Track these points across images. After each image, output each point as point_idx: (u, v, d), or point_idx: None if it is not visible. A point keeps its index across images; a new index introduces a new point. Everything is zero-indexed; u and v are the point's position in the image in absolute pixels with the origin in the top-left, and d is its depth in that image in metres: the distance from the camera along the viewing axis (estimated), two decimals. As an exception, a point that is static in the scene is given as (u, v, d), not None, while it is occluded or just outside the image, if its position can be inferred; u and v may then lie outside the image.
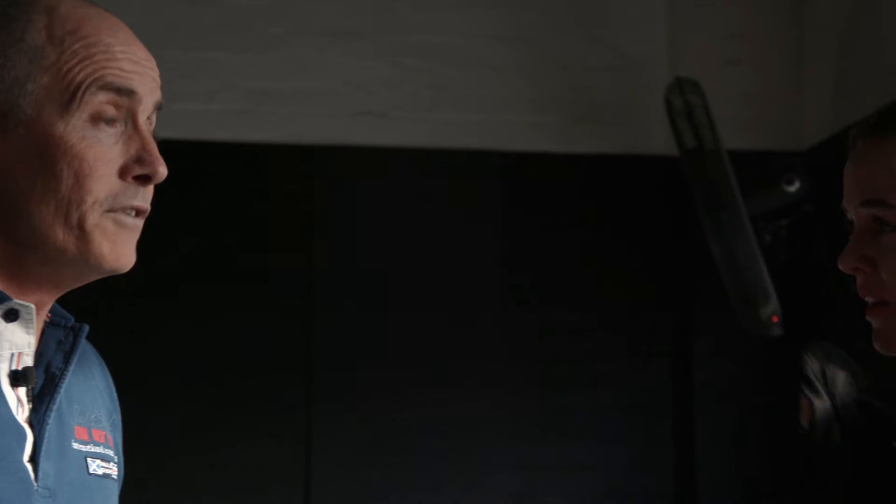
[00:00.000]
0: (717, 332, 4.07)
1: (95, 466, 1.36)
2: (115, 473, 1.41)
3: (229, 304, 3.99)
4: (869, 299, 1.36)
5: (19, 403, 1.29)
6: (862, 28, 3.89)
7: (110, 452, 1.40)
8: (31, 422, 1.30)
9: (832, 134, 3.90)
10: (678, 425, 4.11)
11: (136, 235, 1.36)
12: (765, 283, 3.72)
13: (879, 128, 1.36)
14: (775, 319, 3.73)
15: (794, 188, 3.84)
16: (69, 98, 1.24)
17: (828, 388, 1.51)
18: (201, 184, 4.04)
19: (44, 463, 1.28)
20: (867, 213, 1.36)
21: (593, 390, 4.09)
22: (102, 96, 1.26)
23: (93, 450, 1.37)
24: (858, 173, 1.37)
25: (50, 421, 1.30)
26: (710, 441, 4.07)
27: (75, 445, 1.35)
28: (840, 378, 1.51)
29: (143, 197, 1.33)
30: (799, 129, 4.14)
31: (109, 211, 1.29)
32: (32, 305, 1.30)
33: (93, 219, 1.27)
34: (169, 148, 4.37)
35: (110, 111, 1.27)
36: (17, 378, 1.29)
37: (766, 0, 4.22)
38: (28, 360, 1.31)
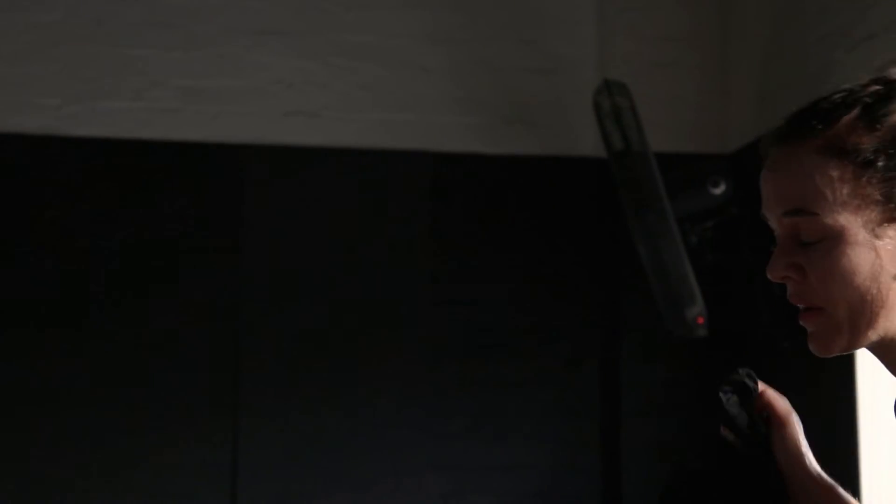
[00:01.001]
0: (644, 334, 4.11)
1: None
2: None
3: (157, 303, 3.96)
4: (801, 306, 1.38)
5: None
6: (786, 34, 3.94)
7: None
8: None
9: (757, 137, 3.95)
10: (605, 427, 4.13)
11: None
12: (690, 284, 3.76)
13: (790, 135, 1.36)
14: (701, 321, 3.77)
15: (719, 191, 3.88)
16: None
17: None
18: (129, 182, 4.00)
19: None
20: (790, 222, 1.37)
21: (521, 391, 4.10)
22: None
23: None
24: (775, 182, 1.37)
25: None
26: (637, 442, 4.10)
27: None
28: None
29: None
30: (724, 132, 4.19)
31: None
32: None
33: None
34: (95, 146, 4.34)
35: None
36: None
37: (694, 5, 4.27)
38: None
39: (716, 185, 3.89)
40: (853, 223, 1.33)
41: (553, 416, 4.11)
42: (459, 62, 4.20)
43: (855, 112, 1.34)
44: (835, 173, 1.33)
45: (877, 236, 1.33)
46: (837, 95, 1.36)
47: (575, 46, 4.25)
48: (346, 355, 4.04)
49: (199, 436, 3.93)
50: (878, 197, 1.33)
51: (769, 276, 1.37)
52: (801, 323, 1.37)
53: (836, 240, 1.34)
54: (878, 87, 1.35)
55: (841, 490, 1.42)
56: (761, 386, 1.53)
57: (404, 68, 4.17)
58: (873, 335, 1.35)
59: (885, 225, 1.33)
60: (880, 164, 1.33)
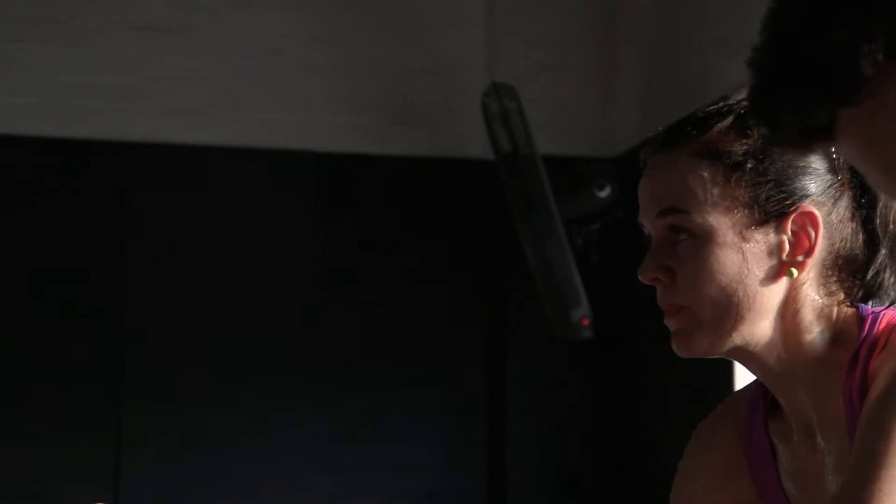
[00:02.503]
0: (530, 335, 4.14)
1: None
2: None
3: (39, 302, 3.89)
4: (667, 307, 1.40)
5: None
6: (669, 41, 4.00)
7: None
8: None
9: (642, 141, 4.00)
10: (492, 426, 4.15)
11: None
12: (576, 286, 3.79)
13: (667, 142, 1.40)
14: (586, 322, 3.80)
15: (605, 193, 3.92)
16: None
17: None
18: (7, 180, 3.92)
19: None
20: (663, 223, 1.39)
21: (408, 391, 4.10)
22: None
23: None
24: (651, 186, 1.40)
25: None
26: (522, 442, 4.13)
27: None
28: None
29: None
30: (610, 136, 4.24)
31: None
32: None
33: None
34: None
35: None
36: None
37: (580, 10, 4.31)
38: None
39: (601, 188, 3.93)
40: (722, 224, 1.36)
41: (439, 416, 4.12)
42: (346, 62, 4.19)
43: (728, 120, 1.38)
44: (706, 174, 1.37)
45: (744, 239, 1.36)
46: (712, 107, 1.40)
47: (463, 48, 4.26)
48: (233, 355, 4.00)
49: (82, 435, 3.86)
50: (747, 200, 1.36)
51: (640, 278, 1.40)
52: (665, 322, 1.39)
53: (705, 239, 1.36)
54: None
55: None
56: None
57: (290, 67, 4.14)
58: (737, 338, 1.36)
59: (753, 228, 1.36)
60: (749, 167, 1.36)
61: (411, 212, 4.20)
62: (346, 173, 4.17)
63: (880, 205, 1.39)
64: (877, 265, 1.38)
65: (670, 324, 1.39)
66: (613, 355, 4.14)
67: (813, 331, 1.37)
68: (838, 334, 1.37)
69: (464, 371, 4.17)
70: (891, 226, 1.39)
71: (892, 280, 1.39)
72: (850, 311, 1.37)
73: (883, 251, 1.39)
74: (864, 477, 1.22)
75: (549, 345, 4.08)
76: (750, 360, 1.39)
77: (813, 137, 0.95)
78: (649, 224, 1.41)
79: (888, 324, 1.34)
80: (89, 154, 3.99)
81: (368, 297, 4.13)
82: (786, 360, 1.38)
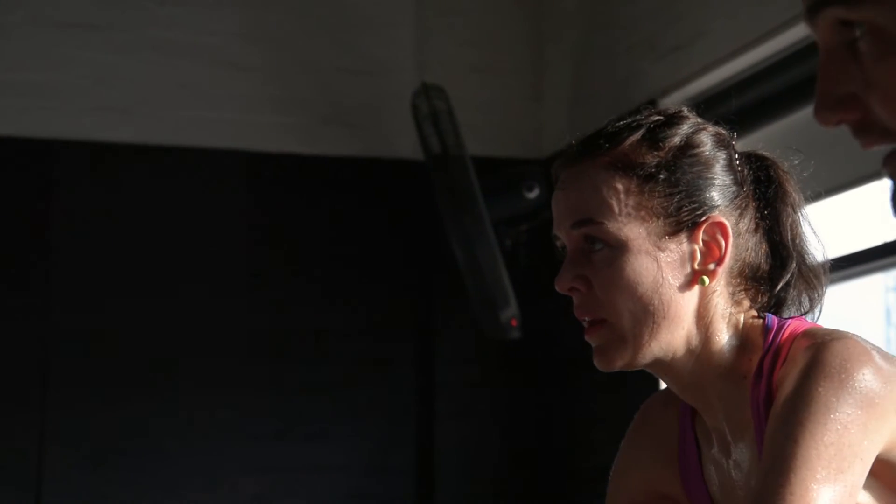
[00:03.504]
0: (459, 336, 4.15)
1: None
2: None
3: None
4: (586, 319, 1.42)
5: None
6: (597, 43, 4.04)
7: None
8: None
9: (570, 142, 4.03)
10: (419, 427, 4.16)
11: None
12: (504, 287, 3.81)
13: (580, 155, 1.43)
14: (514, 323, 3.82)
15: (533, 195, 3.94)
16: None
17: None
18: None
19: None
20: (578, 234, 1.41)
21: (336, 392, 4.10)
22: None
23: None
24: (566, 198, 1.43)
25: None
26: (450, 442, 4.14)
27: None
28: None
29: None
30: (539, 137, 4.26)
31: None
32: None
33: None
34: None
35: None
36: None
37: (509, 12, 4.33)
38: None
39: (530, 189, 3.95)
40: (638, 234, 1.39)
41: (367, 416, 4.12)
42: (276, 61, 4.17)
43: (639, 133, 1.41)
44: (620, 185, 1.40)
45: (659, 248, 1.39)
46: (622, 121, 1.43)
47: (393, 49, 4.27)
48: (160, 355, 3.97)
49: (3, 436, 3.81)
50: (660, 210, 1.39)
51: (557, 288, 1.42)
52: (586, 338, 1.41)
53: (620, 250, 1.39)
54: (659, 117, 1.43)
55: None
56: None
57: (219, 66, 4.11)
58: (655, 348, 1.39)
59: (667, 238, 1.39)
60: (661, 178, 1.39)
61: (341, 212, 4.19)
62: (275, 173, 4.15)
63: (787, 221, 1.43)
64: (786, 279, 1.42)
65: (591, 340, 1.41)
66: (542, 356, 4.16)
67: (722, 339, 1.40)
68: (744, 343, 1.40)
69: (392, 372, 4.17)
70: (796, 241, 1.43)
71: (796, 293, 1.43)
72: (757, 320, 1.41)
73: (793, 266, 1.42)
74: (774, 482, 1.25)
75: (478, 345, 4.09)
76: (667, 370, 1.42)
77: None
78: (564, 235, 1.44)
79: (791, 334, 1.37)
80: (13, 152, 3.94)
81: (297, 297, 4.12)
82: (698, 370, 1.41)
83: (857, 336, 1.34)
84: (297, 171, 4.17)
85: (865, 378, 1.28)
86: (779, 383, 1.33)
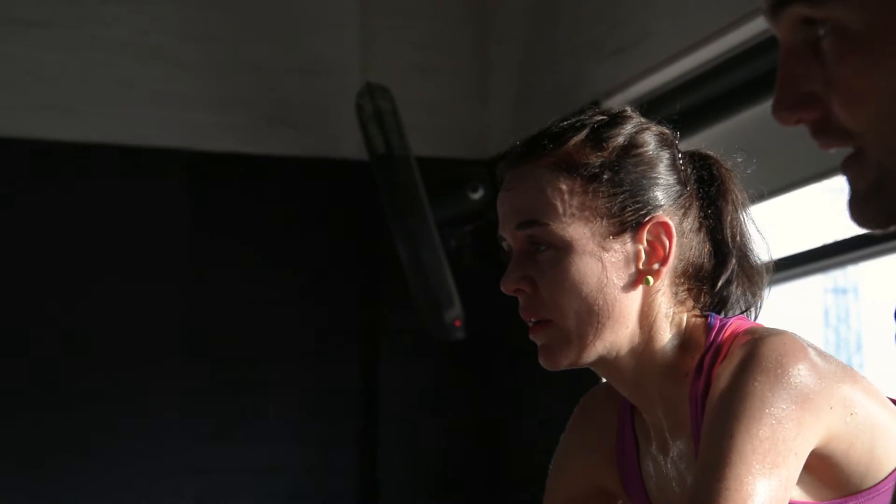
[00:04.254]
0: (404, 336, 4.14)
1: None
2: None
3: None
4: (531, 319, 1.42)
5: None
6: (541, 44, 4.05)
7: None
8: None
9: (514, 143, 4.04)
10: (363, 427, 4.15)
11: None
12: (449, 287, 3.81)
13: (524, 155, 1.43)
14: (458, 323, 3.82)
15: (478, 195, 3.95)
16: None
17: None
18: None
19: None
20: (523, 235, 1.42)
21: (280, 392, 4.08)
22: None
23: None
24: (511, 199, 1.44)
25: None
26: (395, 443, 4.14)
27: None
28: None
29: None
30: (484, 137, 4.27)
31: None
32: None
33: None
34: None
35: None
36: None
37: (454, 12, 4.34)
38: None
39: (475, 189, 3.96)
40: (582, 235, 1.40)
41: (310, 416, 4.10)
42: (219, 60, 4.15)
43: (583, 134, 1.42)
44: (564, 186, 1.40)
45: (604, 248, 1.40)
46: (565, 122, 1.43)
47: (338, 48, 4.25)
48: (101, 355, 3.94)
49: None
50: (604, 211, 1.40)
51: (503, 289, 1.43)
52: (531, 337, 1.42)
53: (565, 250, 1.40)
54: (603, 117, 1.44)
55: None
56: None
57: (161, 64, 4.08)
58: (600, 347, 1.40)
59: (611, 238, 1.40)
60: (605, 178, 1.40)
61: (285, 211, 4.17)
62: (218, 172, 4.13)
63: (729, 219, 1.44)
64: (726, 277, 1.43)
65: (536, 338, 1.42)
66: (487, 356, 4.17)
67: (665, 338, 1.41)
68: (687, 342, 1.42)
69: (336, 372, 4.16)
70: (738, 239, 1.45)
71: (739, 291, 1.44)
72: (699, 319, 1.42)
73: (733, 263, 1.43)
74: (710, 477, 1.26)
75: (422, 346, 4.09)
76: (611, 369, 1.43)
77: None
78: (509, 236, 1.44)
79: (733, 332, 1.38)
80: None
81: (241, 297, 4.09)
82: (641, 368, 1.42)
83: (794, 333, 1.35)
84: (240, 171, 4.14)
85: (801, 373, 1.29)
86: (716, 379, 1.35)
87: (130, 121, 4.05)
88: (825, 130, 0.86)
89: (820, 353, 1.34)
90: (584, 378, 1.49)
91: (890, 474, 1.34)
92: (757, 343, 1.32)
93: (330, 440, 4.12)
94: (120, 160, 4.03)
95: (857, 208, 0.87)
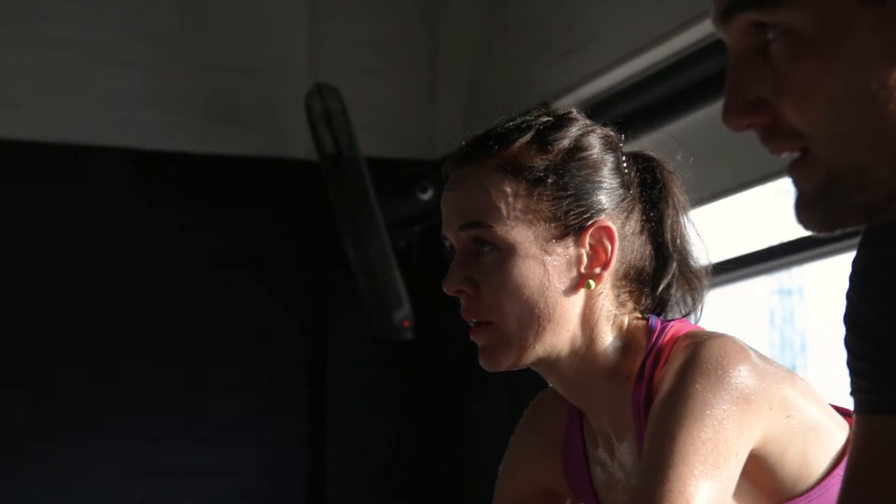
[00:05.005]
0: (352, 336, 4.14)
1: None
2: None
3: None
4: (472, 320, 1.43)
5: None
6: (491, 45, 4.06)
7: None
8: None
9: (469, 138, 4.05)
10: (312, 428, 4.14)
11: None
12: (397, 287, 3.81)
13: (471, 155, 1.44)
14: (407, 324, 3.82)
15: (427, 196, 3.95)
16: None
17: None
18: None
19: None
20: (467, 236, 1.43)
21: (229, 393, 4.06)
22: None
23: None
24: (455, 199, 1.44)
25: None
26: (343, 443, 4.13)
27: None
28: None
29: None
30: (433, 138, 4.27)
31: None
32: None
33: None
34: None
35: None
36: None
37: (404, 13, 4.34)
38: None
39: (424, 190, 3.96)
40: (525, 237, 1.40)
41: (259, 417, 4.09)
42: (168, 59, 4.12)
43: (528, 136, 1.43)
44: (509, 189, 1.41)
45: (546, 252, 1.40)
46: (511, 123, 1.44)
47: (287, 48, 4.24)
48: (49, 356, 3.90)
49: None
50: (548, 214, 1.41)
51: (445, 290, 1.43)
52: (472, 338, 1.43)
53: (508, 252, 1.40)
54: (548, 118, 1.44)
55: None
56: None
57: (108, 62, 4.05)
58: (540, 349, 1.41)
59: (554, 241, 1.41)
60: (550, 181, 1.41)
61: (234, 212, 4.15)
62: (166, 172, 4.10)
63: (671, 223, 1.45)
64: (667, 280, 1.44)
65: (477, 339, 1.43)
66: (435, 356, 4.17)
67: (606, 341, 1.42)
68: (628, 344, 1.42)
69: (285, 372, 4.14)
70: (678, 242, 1.46)
71: (679, 294, 1.46)
72: (641, 322, 1.43)
73: (674, 266, 1.45)
74: (653, 479, 1.27)
75: (370, 346, 4.09)
76: (552, 370, 1.43)
77: None
78: (453, 236, 1.44)
79: (674, 336, 1.39)
80: None
81: (189, 297, 4.07)
82: (583, 371, 1.42)
83: (733, 336, 1.37)
84: (188, 171, 4.12)
85: (741, 375, 1.31)
86: (658, 383, 1.36)
87: (77, 119, 4.02)
88: (775, 134, 0.87)
89: (759, 355, 1.35)
90: (533, 379, 1.50)
91: (822, 479, 1.35)
92: (698, 346, 1.33)
93: (278, 440, 4.11)
94: (67, 159, 4.00)
95: (805, 211, 0.88)
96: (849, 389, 1.08)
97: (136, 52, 4.08)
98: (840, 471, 1.34)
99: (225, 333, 4.09)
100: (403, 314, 3.81)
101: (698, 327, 1.45)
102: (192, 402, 4.02)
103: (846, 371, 1.07)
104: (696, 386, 1.30)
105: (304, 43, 4.26)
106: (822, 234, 0.90)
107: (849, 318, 1.06)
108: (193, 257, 4.09)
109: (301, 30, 4.26)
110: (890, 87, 0.83)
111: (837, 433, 1.36)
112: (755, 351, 1.35)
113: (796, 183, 0.88)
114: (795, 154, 0.87)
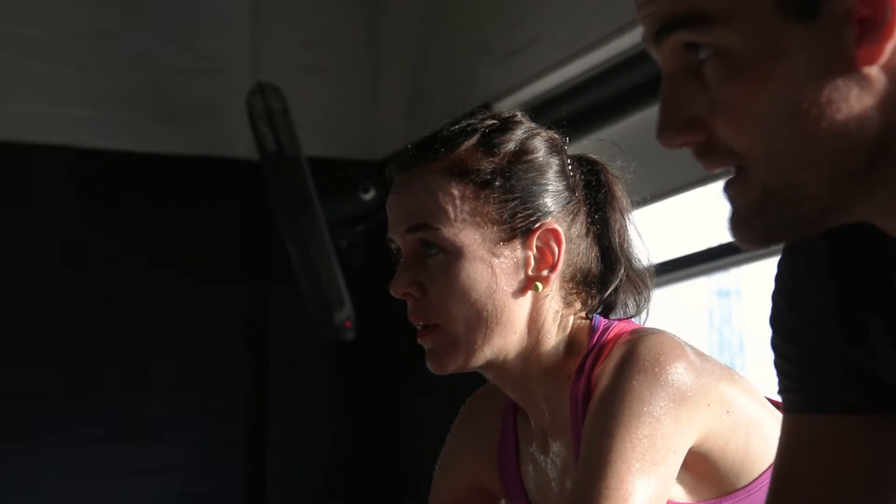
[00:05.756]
0: (294, 336, 4.13)
1: None
2: None
3: None
4: (420, 323, 1.43)
5: None
6: (433, 46, 4.07)
7: None
8: None
9: (406, 145, 4.05)
10: (252, 429, 4.13)
11: None
12: (339, 288, 3.81)
13: (416, 159, 1.44)
14: (349, 324, 3.82)
15: (369, 196, 3.95)
16: None
17: None
18: None
19: None
20: (414, 238, 1.43)
21: (167, 393, 4.04)
22: None
23: None
24: (401, 202, 1.44)
25: None
26: (283, 443, 4.12)
27: None
28: None
29: None
30: (375, 138, 4.27)
31: None
32: None
33: None
34: None
35: None
36: None
37: (347, 13, 4.33)
38: None
39: (366, 190, 3.96)
40: (473, 240, 1.41)
41: (199, 417, 4.07)
42: (108, 56, 4.09)
43: (475, 139, 1.43)
44: (456, 192, 1.41)
45: (494, 254, 1.41)
46: (456, 126, 1.44)
47: (229, 46, 4.22)
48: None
49: None
50: (495, 217, 1.41)
51: (392, 293, 1.43)
52: (419, 341, 1.43)
53: (455, 255, 1.41)
54: (494, 121, 1.45)
55: None
56: None
57: (47, 60, 4.01)
58: (488, 352, 1.41)
59: (501, 244, 1.41)
60: (497, 184, 1.41)
61: (175, 210, 4.13)
62: (106, 171, 4.07)
63: (616, 225, 1.47)
64: (615, 282, 1.46)
65: (424, 343, 1.43)
66: (377, 356, 4.17)
67: (552, 341, 1.43)
68: (571, 344, 1.44)
69: (225, 372, 4.13)
70: (624, 245, 1.47)
71: (626, 296, 1.47)
72: (585, 322, 1.44)
73: (621, 270, 1.46)
74: (591, 476, 1.29)
75: (312, 346, 4.08)
76: (499, 372, 1.44)
77: None
78: (400, 239, 1.45)
79: (617, 334, 1.41)
80: None
81: (129, 296, 4.04)
82: (528, 371, 1.43)
83: (671, 333, 1.38)
84: (130, 170, 4.09)
85: (678, 371, 1.32)
86: (597, 380, 1.37)
87: (15, 117, 3.98)
88: (710, 152, 0.88)
89: (697, 352, 1.37)
90: (474, 380, 1.51)
91: (763, 472, 1.37)
92: (635, 343, 1.35)
93: (219, 441, 4.09)
94: (4, 157, 3.95)
95: (739, 227, 0.90)
96: (776, 389, 1.09)
97: (77, 50, 4.05)
98: None
99: (166, 333, 4.06)
100: (345, 314, 3.81)
101: (641, 326, 1.46)
102: (131, 403, 3.99)
103: (774, 371, 1.09)
104: (634, 383, 1.31)
105: (246, 42, 4.24)
106: (755, 250, 0.91)
107: (775, 320, 1.08)
108: (134, 256, 4.06)
109: (244, 28, 4.24)
110: (821, 105, 0.84)
111: (777, 428, 1.38)
112: (693, 348, 1.37)
113: (731, 199, 0.90)
114: (731, 170, 0.89)
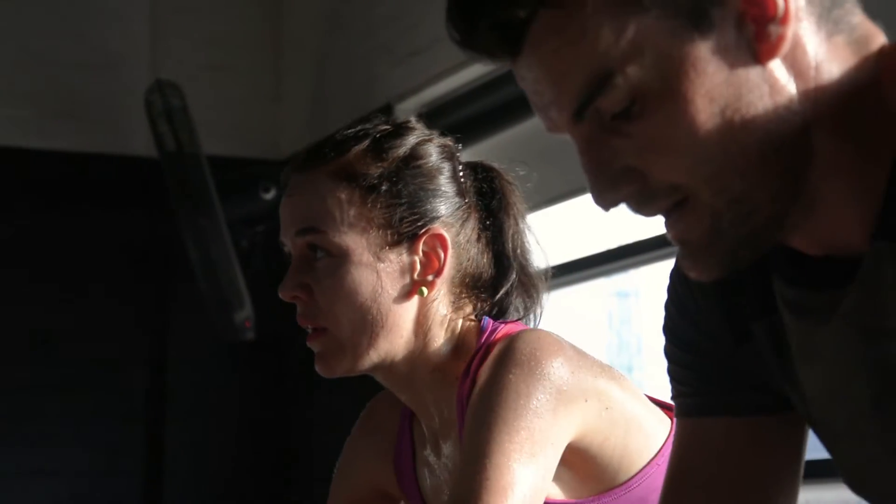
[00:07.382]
0: (192, 336, 4.09)
1: None
2: None
3: None
4: (309, 326, 1.43)
5: None
6: (335, 46, 4.06)
7: None
8: None
9: (309, 144, 4.04)
10: (150, 429, 4.08)
11: None
12: (239, 287, 3.78)
13: (308, 162, 1.45)
14: (248, 324, 3.80)
15: (270, 195, 3.93)
16: None
17: None
18: None
19: None
20: (302, 241, 1.43)
21: (63, 393, 3.98)
22: None
23: None
24: (292, 206, 1.45)
25: None
26: (181, 445, 4.08)
27: None
28: None
29: None
30: (277, 138, 4.25)
31: None
32: None
33: None
34: None
35: None
36: None
37: (248, 11, 4.31)
38: None
39: (267, 190, 3.94)
40: (359, 244, 1.42)
41: (96, 418, 4.02)
42: (3, 52, 4.02)
43: (365, 144, 1.44)
44: (343, 195, 1.42)
45: (379, 259, 1.42)
46: (350, 130, 1.45)
47: (128, 43, 4.17)
48: None
49: None
50: (382, 221, 1.42)
51: (280, 296, 1.44)
52: (308, 344, 1.43)
53: (341, 259, 1.42)
54: (387, 127, 1.46)
55: None
56: None
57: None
58: (374, 355, 1.42)
59: (387, 248, 1.42)
60: (384, 189, 1.42)
61: (71, 208, 4.07)
62: (2, 168, 4.00)
63: (510, 231, 1.48)
64: (506, 287, 1.47)
65: (312, 346, 1.44)
66: (276, 357, 4.15)
67: (439, 344, 1.44)
68: (459, 346, 1.45)
69: (123, 373, 4.08)
70: (518, 251, 1.49)
71: (518, 299, 1.48)
72: (473, 324, 1.46)
73: (513, 275, 1.47)
74: (471, 470, 1.30)
75: (211, 347, 4.05)
76: (387, 375, 1.45)
77: (504, 40, 0.91)
78: (290, 242, 1.46)
79: (505, 335, 1.42)
80: None
81: (26, 295, 3.98)
82: (416, 374, 1.44)
83: (549, 330, 1.40)
84: (25, 167, 4.03)
85: (555, 366, 1.34)
86: (479, 378, 1.38)
87: None
88: (652, 197, 0.89)
89: (575, 349, 1.39)
90: (373, 382, 1.51)
91: (642, 469, 1.39)
92: (512, 339, 1.37)
93: (116, 443, 4.04)
94: None
95: (699, 260, 0.90)
96: (670, 395, 1.11)
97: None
98: (659, 460, 1.38)
99: (63, 333, 4.00)
100: (245, 315, 3.79)
101: (528, 327, 1.47)
102: (24, 404, 3.93)
103: (667, 378, 1.11)
104: (510, 377, 1.33)
105: (145, 38, 4.19)
106: (715, 279, 0.91)
107: (667, 328, 1.10)
108: (28, 255, 4.00)
109: (142, 24, 4.19)
110: (741, 108, 0.86)
111: (657, 426, 1.41)
112: (571, 345, 1.39)
113: (681, 235, 0.90)
114: (669, 209, 0.89)
